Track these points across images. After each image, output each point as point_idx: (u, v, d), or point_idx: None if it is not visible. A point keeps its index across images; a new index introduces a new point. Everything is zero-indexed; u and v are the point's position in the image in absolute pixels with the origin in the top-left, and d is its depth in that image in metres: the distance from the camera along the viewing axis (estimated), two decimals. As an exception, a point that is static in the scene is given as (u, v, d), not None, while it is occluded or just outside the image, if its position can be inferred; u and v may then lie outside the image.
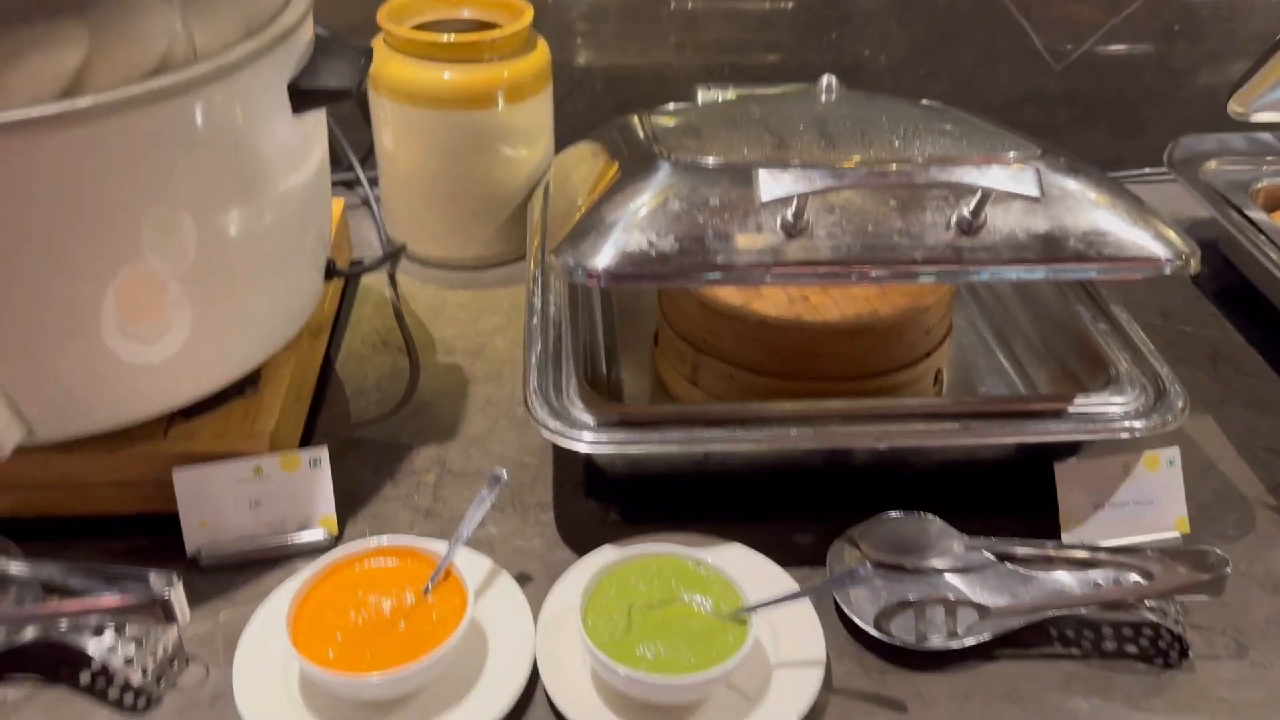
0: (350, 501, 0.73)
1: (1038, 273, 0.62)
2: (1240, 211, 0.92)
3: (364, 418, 0.82)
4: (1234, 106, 0.92)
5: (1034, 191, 0.58)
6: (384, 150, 0.98)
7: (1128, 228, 0.63)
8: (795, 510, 0.72)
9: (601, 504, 0.74)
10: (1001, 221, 0.62)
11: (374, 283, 0.98)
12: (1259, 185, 0.96)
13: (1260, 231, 0.90)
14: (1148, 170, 1.13)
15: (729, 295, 0.73)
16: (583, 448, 0.65)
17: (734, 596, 0.61)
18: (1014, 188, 0.58)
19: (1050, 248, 0.62)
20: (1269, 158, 0.98)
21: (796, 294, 0.73)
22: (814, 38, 1.11)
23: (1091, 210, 0.63)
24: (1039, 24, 1.10)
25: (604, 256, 0.61)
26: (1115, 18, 1.10)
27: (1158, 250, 0.63)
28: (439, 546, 0.64)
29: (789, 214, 0.61)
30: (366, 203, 1.08)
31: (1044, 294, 0.82)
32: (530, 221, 0.91)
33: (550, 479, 0.76)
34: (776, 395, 0.71)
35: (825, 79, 0.73)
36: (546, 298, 0.78)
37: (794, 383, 0.71)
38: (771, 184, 0.58)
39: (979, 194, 0.60)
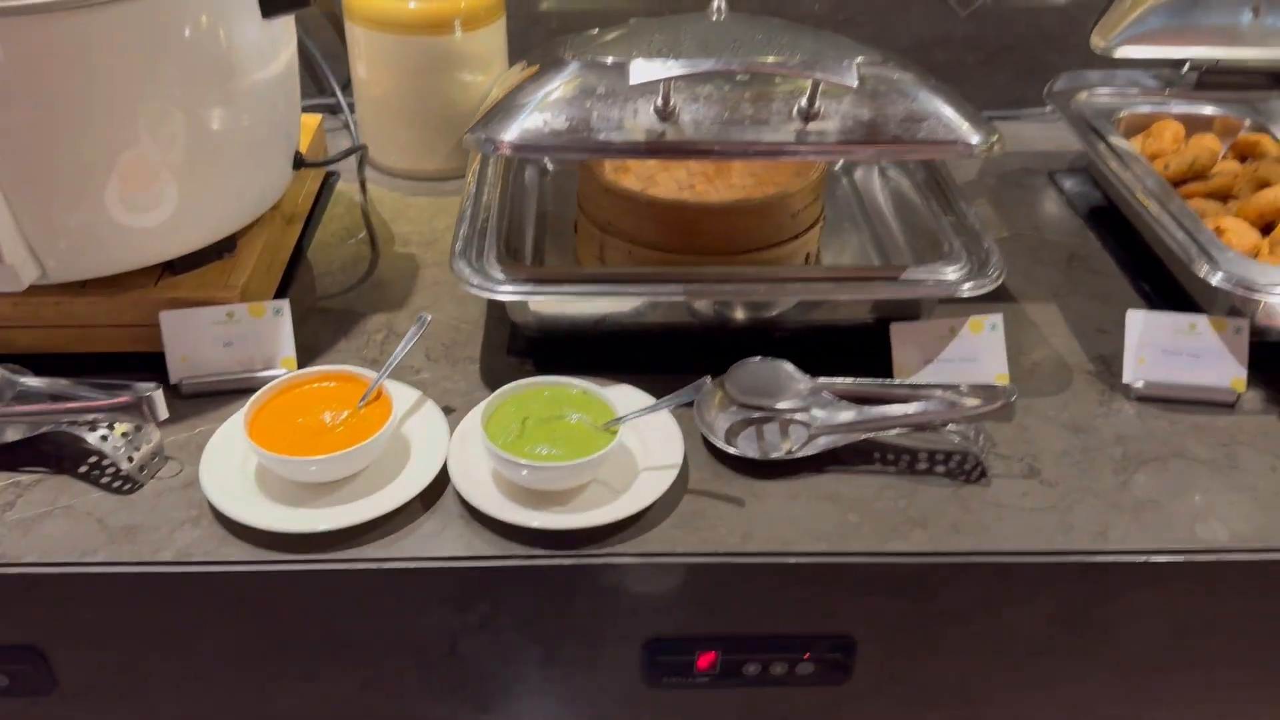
0: (310, 353, 0.87)
1: (863, 153, 0.74)
2: (1103, 138, 1.05)
3: (327, 293, 0.96)
4: (1096, 40, 1.04)
5: (852, 81, 0.71)
6: (359, 77, 1.13)
7: (944, 119, 0.76)
8: (683, 367, 0.84)
9: (520, 358, 0.88)
10: (835, 110, 0.75)
11: (346, 188, 1.12)
12: (1121, 114, 1.08)
13: (1117, 155, 1.02)
14: (1047, 110, 1.25)
15: (630, 182, 0.86)
16: (499, 298, 0.79)
17: (610, 414, 0.74)
18: (836, 78, 0.71)
19: (873, 132, 0.75)
20: (1133, 90, 1.11)
21: (685, 183, 0.87)
22: (747, -15, 1.24)
23: (911, 103, 0.76)
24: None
25: (510, 132, 0.75)
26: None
27: (970, 137, 0.76)
28: (373, 374, 0.78)
29: (659, 100, 0.74)
30: (347, 126, 1.22)
31: (912, 200, 0.95)
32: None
33: (480, 341, 0.90)
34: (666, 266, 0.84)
35: (715, 2, 0.86)
36: (481, 189, 0.92)
37: (681, 256, 0.85)
38: (641, 70, 0.72)
39: (811, 84, 0.73)
